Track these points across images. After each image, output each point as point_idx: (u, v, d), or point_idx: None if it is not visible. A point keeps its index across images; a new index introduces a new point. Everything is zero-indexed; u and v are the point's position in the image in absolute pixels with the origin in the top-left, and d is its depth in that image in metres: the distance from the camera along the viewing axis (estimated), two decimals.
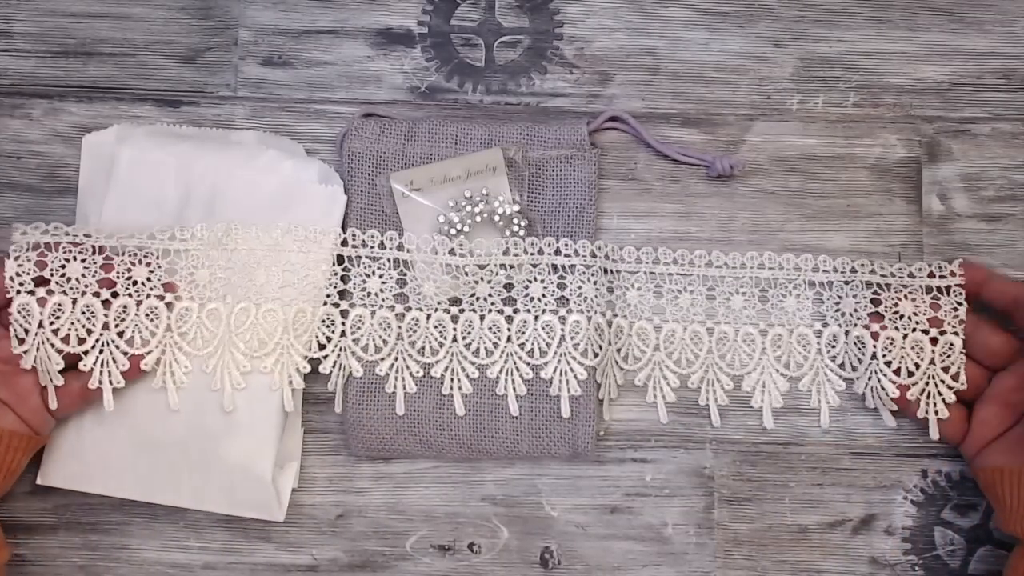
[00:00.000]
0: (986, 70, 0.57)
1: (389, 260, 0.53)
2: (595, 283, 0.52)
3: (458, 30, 0.57)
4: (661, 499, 0.55)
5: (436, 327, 0.53)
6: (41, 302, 0.49)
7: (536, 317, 0.53)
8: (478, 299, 0.53)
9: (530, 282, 0.53)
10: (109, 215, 0.52)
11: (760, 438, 0.55)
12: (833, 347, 0.54)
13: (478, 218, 0.53)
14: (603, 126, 0.55)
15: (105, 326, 0.50)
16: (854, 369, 0.54)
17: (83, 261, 0.50)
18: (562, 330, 0.52)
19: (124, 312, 0.50)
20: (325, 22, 0.57)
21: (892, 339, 0.52)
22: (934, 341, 0.52)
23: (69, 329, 0.49)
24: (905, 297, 0.52)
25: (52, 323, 0.49)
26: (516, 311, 0.53)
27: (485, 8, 0.57)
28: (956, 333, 0.52)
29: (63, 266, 0.50)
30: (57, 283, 0.49)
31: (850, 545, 0.54)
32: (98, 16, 0.56)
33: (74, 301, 0.50)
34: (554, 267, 0.53)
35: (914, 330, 0.52)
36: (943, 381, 0.52)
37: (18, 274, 0.49)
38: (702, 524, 0.54)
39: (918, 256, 0.56)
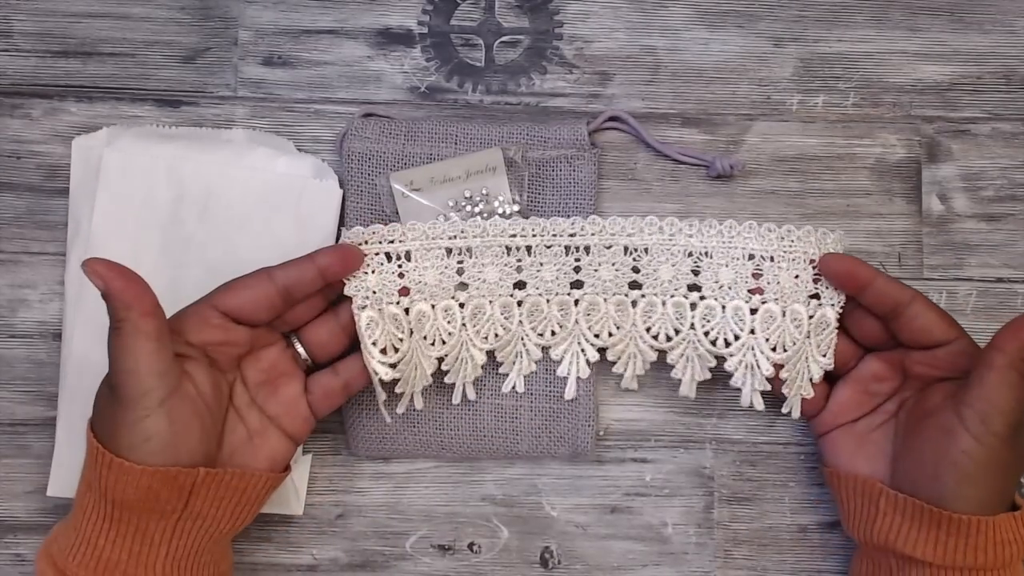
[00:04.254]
0: (986, 70, 0.57)
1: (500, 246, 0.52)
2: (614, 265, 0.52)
3: (458, 30, 0.57)
4: (661, 499, 0.55)
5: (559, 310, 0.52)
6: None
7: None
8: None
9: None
10: (100, 220, 0.52)
11: (760, 438, 0.55)
12: (708, 321, 0.51)
13: (478, 218, 0.53)
14: (603, 126, 0.55)
15: (463, 325, 0.51)
16: (727, 344, 0.51)
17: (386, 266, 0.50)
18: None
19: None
20: (325, 22, 0.57)
21: (771, 313, 0.50)
22: (811, 316, 0.50)
23: (435, 334, 0.51)
24: (787, 268, 0.50)
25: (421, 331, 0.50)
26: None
27: (485, 8, 0.57)
28: (833, 306, 0.50)
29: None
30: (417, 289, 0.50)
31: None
32: (98, 16, 0.56)
33: (433, 307, 0.51)
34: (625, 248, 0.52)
35: (796, 303, 0.50)
36: (813, 358, 0.50)
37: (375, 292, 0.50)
38: (702, 524, 0.54)
39: (918, 256, 0.56)
